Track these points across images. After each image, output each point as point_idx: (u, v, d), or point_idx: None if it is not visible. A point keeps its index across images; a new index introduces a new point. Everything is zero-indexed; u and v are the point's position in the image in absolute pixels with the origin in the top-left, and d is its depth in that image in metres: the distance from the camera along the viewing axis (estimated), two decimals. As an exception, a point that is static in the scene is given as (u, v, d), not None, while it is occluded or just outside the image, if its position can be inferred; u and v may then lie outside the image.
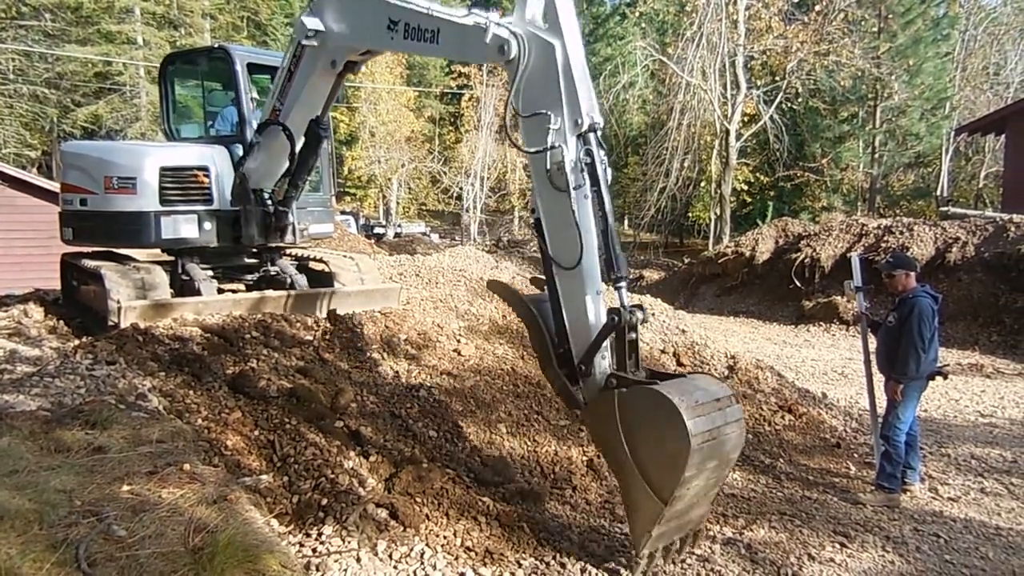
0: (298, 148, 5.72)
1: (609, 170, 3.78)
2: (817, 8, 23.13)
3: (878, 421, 5.52)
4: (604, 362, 3.78)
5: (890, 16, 26.29)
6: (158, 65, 7.93)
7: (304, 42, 5.04)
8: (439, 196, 37.75)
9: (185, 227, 6.15)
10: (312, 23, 4.93)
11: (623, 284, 3.68)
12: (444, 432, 5.22)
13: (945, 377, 5.48)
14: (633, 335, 3.74)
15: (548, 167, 3.66)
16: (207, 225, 6.21)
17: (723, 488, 5.32)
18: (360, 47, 4.93)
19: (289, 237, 6.30)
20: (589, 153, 3.64)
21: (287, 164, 5.87)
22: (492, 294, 6.99)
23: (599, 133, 3.72)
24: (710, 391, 3.65)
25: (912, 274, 5.37)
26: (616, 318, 3.63)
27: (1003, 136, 19.83)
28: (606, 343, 3.73)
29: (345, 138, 36.20)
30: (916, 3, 26.61)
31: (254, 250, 6.79)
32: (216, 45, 6.92)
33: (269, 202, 6.12)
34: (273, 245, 6.56)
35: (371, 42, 4.77)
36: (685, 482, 3.43)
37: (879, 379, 5.58)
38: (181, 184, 6.15)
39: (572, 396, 3.92)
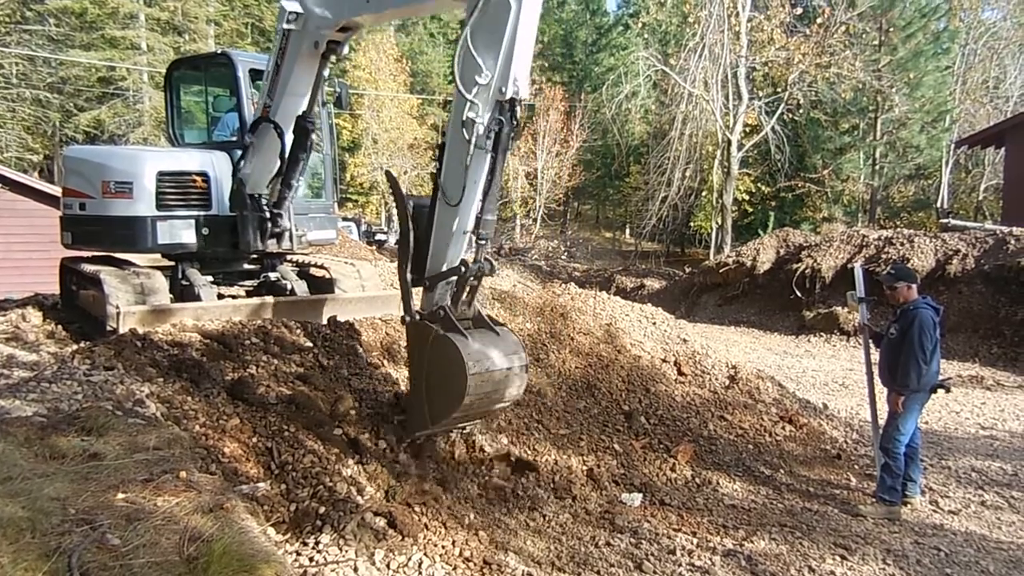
0: (288, 145, 5.73)
1: (514, 142, 4.16)
2: (819, 21, 23.23)
3: (879, 433, 5.49)
4: (446, 288, 4.34)
5: (891, 30, 26.39)
6: (161, 70, 8.00)
7: (286, 27, 5.22)
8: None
9: (182, 232, 6.14)
10: (292, 6, 5.14)
11: (484, 242, 4.18)
12: (445, 440, 5.18)
13: (948, 390, 5.46)
14: (475, 282, 4.31)
15: (464, 117, 3.95)
16: (205, 230, 6.20)
17: (723, 499, 5.30)
18: (339, 20, 5.06)
19: (286, 243, 6.27)
20: (501, 124, 3.92)
21: (278, 163, 5.87)
22: (494, 302, 6.99)
23: (520, 106, 3.99)
24: (507, 359, 4.22)
25: (913, 286, 5.37)
26: (464, 269, 4.18)
27: (1003, 149, 19.87)
28: (452, 279, 4.25)
29: (348, 145, 36.28)
30: (917, 17, 26.73)
31: (254, 256, 6.77)
32: (219, 51, 6.94)
33: (266, 207, 6.11)
34: (272, 251, 6.55)
35: (349, 11, 4.95)
36: (455, 419, 4.31)
37: (881, 391, 5.55)
38: (179, 189, 6.14)
39: (410, 302, 4.41)
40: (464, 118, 3.95)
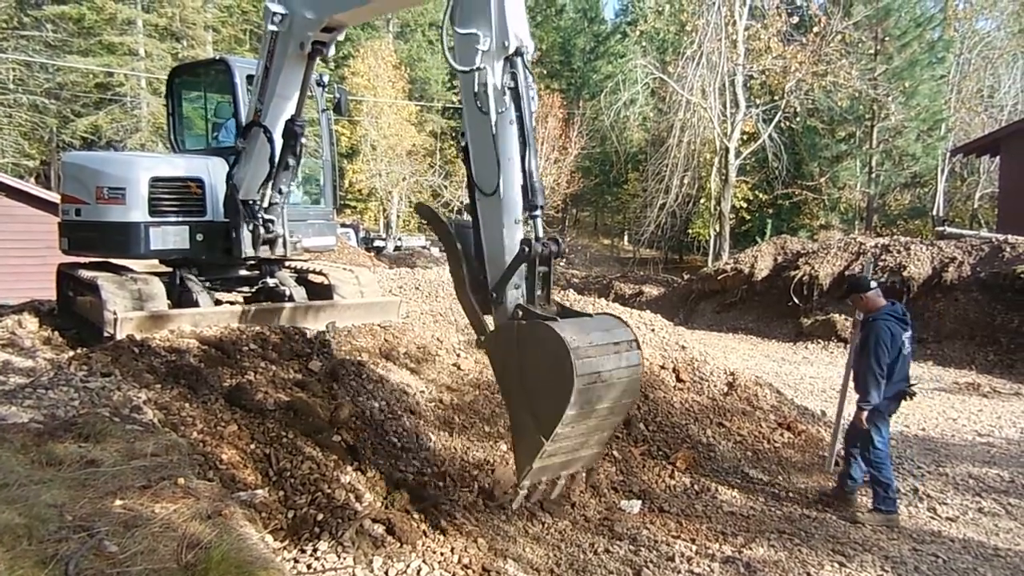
0: (278, 150, 5.73)
1: (535, 98, 3.78)
2: (815, 30, 23.39)
3: (843, 433, 5.58)
4: (516, 292, 3.75)
5: (887, 39, 26.58)
6: (159, 76, 8.04)
7: (271, 28, 5.22)
8: (440, 210, 37.66)
9: (176, 238, 6.13)
10: (276, 7, 5.14)
11: (538, 214, 3.64)
12: (443, 446, 5.17)
13: (912, 396, 5.36)
14: (545, 268, 3.66)
15: (476, 89, 3.65)
16: (199, 236, 6.20)
17: (722, 506, 5.28)
18: (323, 19, 5.06)
19: (279, 250, 6.25)
20: (514, 77, 3.61)
21: (269, 168, 5.87)
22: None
23: (527, 57, 3.68)
24: (610, 333, 3.58)
25: (869, 293, 5.26)
26: (527, 249, 3.55)
27: (998, 157, 20.00)
28: (519, 273, 3.68)
29: (347, 151, 36.32)
30: (912, 27, 26.95)
31: (250, 262, 6.77)
32: (217, 57, 6.96)
33: (258, 214, 6.10)
34: (267, 257, 6.54)
35: (334, 5, 4.94)
36: (569, 420, 3.39)
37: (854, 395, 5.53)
38: (173, 195, 6.14)
39: (482, 323, 3.92)
40: (475, 91, 3.66)
